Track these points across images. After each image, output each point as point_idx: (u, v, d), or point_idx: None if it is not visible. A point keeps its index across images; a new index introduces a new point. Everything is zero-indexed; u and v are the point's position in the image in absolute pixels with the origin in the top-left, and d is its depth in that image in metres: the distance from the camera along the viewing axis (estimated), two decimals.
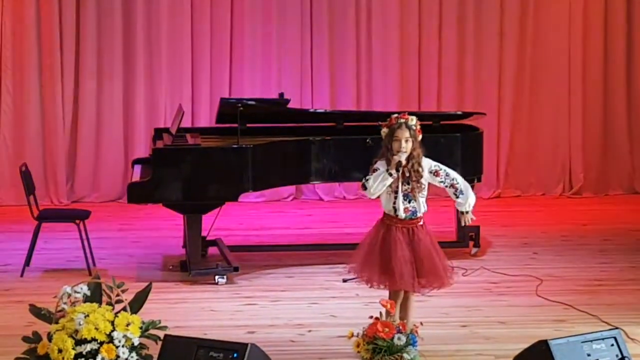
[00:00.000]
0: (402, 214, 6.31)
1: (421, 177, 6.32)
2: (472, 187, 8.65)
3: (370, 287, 6.47)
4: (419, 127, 6.36)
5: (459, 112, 9.38)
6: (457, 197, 6.41)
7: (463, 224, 6.62)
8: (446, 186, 6.41)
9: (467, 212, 6.43)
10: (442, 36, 11.18)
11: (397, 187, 6.30)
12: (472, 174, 8.58)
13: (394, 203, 6.31)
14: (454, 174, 6.43)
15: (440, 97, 11.23)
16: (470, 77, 11.21)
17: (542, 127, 11.32)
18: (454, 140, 8.48)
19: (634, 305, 7.44)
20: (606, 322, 6.97)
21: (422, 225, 6.38)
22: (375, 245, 6.34)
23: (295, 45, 11.05)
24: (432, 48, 11.18)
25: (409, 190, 6.32)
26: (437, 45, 11.18)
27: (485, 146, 8.79)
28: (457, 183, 6.40)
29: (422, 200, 6.37)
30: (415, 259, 6.30)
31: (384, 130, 6.37)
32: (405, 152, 6.26)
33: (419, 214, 6.36)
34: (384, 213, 6.39)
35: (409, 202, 6.33)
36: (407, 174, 6.30)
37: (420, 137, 6.36)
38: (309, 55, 11.10)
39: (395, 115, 6.39)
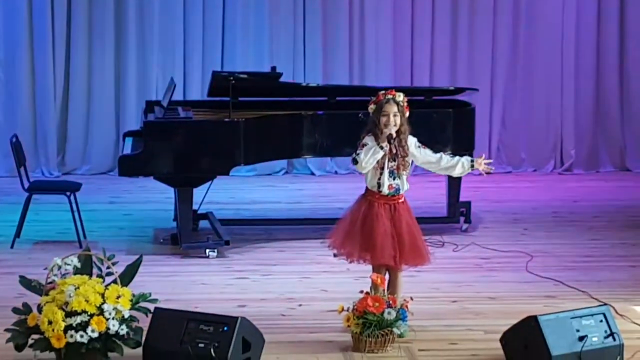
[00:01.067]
0: (385, 190, 6.32)
1: (407, 154, 6.33)
2: None
3: (351, 262, 6.47)
4: (406, 103, 6.37)
5: (452, 88, 9.37)
6: (454, 159, 6.41)
7: (388, 182, 6.42)
8: (438, 155, 6.41)
9: (397, 175, 6.35)
10: (436, 11, 11.14)
11: (384, 163, 6.30)
12: (464, 149, 8.56)
13: (379, 179, 6.32)
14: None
15: (433, 73, 11.20)
16: (463, 52, 11.19)
17: (533, 104, 11.31)
18: (446, 115, 8.48)
19: (623, 282, 7.47)
20: (596, 299, 6.99)
21: (403, 202, 6.39)
22: (357, 221, 6.35)
23: (288, 18, 11.01)
24: (426, 23, 11.14)
25: (395, 167, 6.33)
26: (430, 20, 11.15)
27: (477, 122, 8.78)
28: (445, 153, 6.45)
29: (405, 178, 6.37)
30: (397, 234, 6.31)
31: (372, 107, 6.38)
32: (394, 126, 6.27)
33: (401, 191, 6.37)
34: (367, 189, 6.40)
35: (394, 179, 6.34)
36: (394, 151, 6.31)
37: (407, 114, 6.36)
38: (302, 29, 11.06)
39: (383, 92, 6.40)
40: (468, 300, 7.07)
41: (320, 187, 10.55)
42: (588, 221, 9.20)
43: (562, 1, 11.17)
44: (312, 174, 11.12)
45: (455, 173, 6.57)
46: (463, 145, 8.54)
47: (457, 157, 6.53)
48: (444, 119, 8.45)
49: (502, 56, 11.21)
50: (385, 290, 6.31)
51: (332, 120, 8.26)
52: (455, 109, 8.63)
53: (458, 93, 8.97)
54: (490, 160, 6.65)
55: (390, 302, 6.11)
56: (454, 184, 8.65)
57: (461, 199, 8.70)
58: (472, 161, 6.54)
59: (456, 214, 8.72)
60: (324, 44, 11.09)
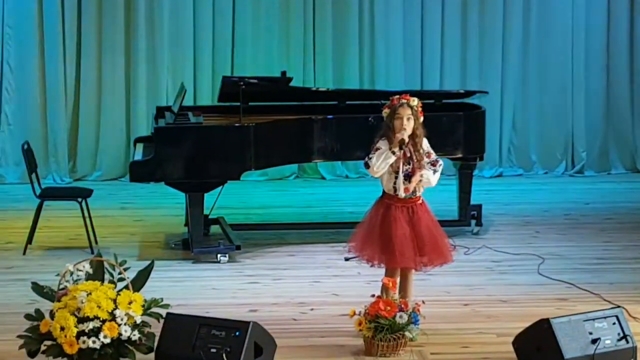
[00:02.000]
0: (402, 193, 6.32)
1: (422, 158, 6.33)
2: (475, 166, 8.76)
3: (372, 266, 6.48)
4: (420, 108, 6.37)
5: (462, 91, 9.37)
6: (428, 170, 6.36)
7: (403, 185, 6.40)
8: (428, 163, 6.37)
9: (417, 181, 6.32)
10: (445, 14, 11.14)
11: (399, 167, 6.30)
12: (475, 152, 8.58)
13: (395, 183, 6.32)
14: (440, 160, 6.43)
15: (443, 76, 11.21)
16: (473, 55, 11.18)
17: (544, 106, 11.30)
18: (456, 118, 8.48)
19: (636, 284, 7.45)
20: (608, 301, 6.98)
21: (421, 204, 6.40)
22: (375, 224, 6.35)
23: (298, 23, 11.02)
24: (435, 27, 11.14)
25: (410, 170, 6.32)
26: (440, 23, 11.15)
27: (487, 125, 8.77)
28: (439, 164, 6.39)
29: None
30: (416, 236, 6.32)
31: (386, 111, 6.39)
32: (407, 130, 6.27)
33: (418, 194, 6.37)
34: (384, 192, 6.40)
35: (409, 182, 6.33)
36: (409, 154, 6.31)
37: (422, 118, 6.37)
38: (312, 33, 11.07)
39: (397, 96, 6.40)
40: (480, 303, 7.06)
41: (331, 191, 10.56)
42: (600, 223, 9.19)
43: (571, 3, 11.16)
44: (323, 178, 11.13)
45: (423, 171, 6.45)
46: (474, 148, 8.54)
47: (430, 172, 6.39)
48: (454, 122, 8.45)
49: (512, 58, 11.20)
50: (397, 294, 6.31)
51: (342, 125, 8.26)
52: (465, 112, 8.62)
53: (468, 96, 8.97)
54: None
55: (402, 305, 6.11)
56: (465, 187, 8.64)
57: (472, 202, 8.70)
58: (420, 179, 6.41)
59: (467, 217, 8.71)
60: (334, 48, 11.10)
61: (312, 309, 6.96)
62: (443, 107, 8.72)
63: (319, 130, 8.22)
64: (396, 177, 6.32)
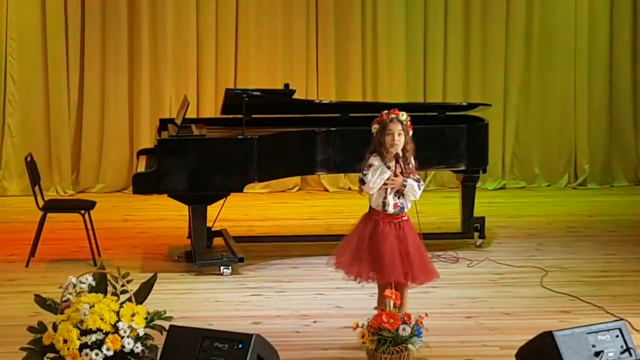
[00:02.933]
0: (391, 209, 6.31)
1: (412, 172, 6.32)
2: (478, 178, 8.76)
3: (359, 282, 6.45)
4: (409, 122, 6.37)
5: (465, 103, 9.37)
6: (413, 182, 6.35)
7: (393, 201, 6.40)
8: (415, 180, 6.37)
9: (402, 194, 6.32)
10: (448, 27, 11.17)
11: (389, 183, 6.29)
12: (478, 165, 8.58)
13: (385, 198, 6.31)
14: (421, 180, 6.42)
15: (446, 88, 11.22)
16: (476, 68, 11.20)
17: (546, 119, 11.31)
18: (459, 131, 8.48)
19: (639, 297, 7.44)
20: (611, 314, 6.97)
21: (407, 220, 6.39)
22: (364, 241, 6.33)
23: (301, 35, 11.04)
24: (438, 39, 11.16)
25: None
26: (443, 36, 11.18)
27: (490, 137, 8.78)
28: (422, 182, 6.37)
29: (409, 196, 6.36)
30: (405, 252, 6.30)
31: (375, 127, 6.38)
32: (399, 145, 6.27)
33: (405, 210, 6.36)
34: (371, 208, 6.38)
35: (398, 197, 6.33)
36: (400, 170, 6.30)
37: (411, 132, 6.36)
38: (315, 45, 11.09)
39: (386, 111, 6.40)
40: (483, 315, 7.05)
41: (334, 203, 10.56)
42: (603, 236, 9.18)
43: (574, 16, 11.17)
44: (326, 190, 11.13)
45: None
46: (477, 161, 8.54)
47: (417, 186, 6.39)
48: (457, 135, 8.45)
49: (514, 71, 11.22)
50: (392, 307, 6.29)
51: (345, 137, 8.27)
52: (468, 124, 8.62)
53: (471, 109, 8.97)
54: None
55: (405, 318, 6.10)
56: (468, 199, 8.64)
57: (475, 214, 8.70)
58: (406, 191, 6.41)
59: (470, 229, 8.70)
60: (336, 60, 11.12)
61: (315, 322, 6.96)
62: (446, 120, 8.73)
63: (322, 143, 8.23)
64: (386, 192, 6.31)
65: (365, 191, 6.36)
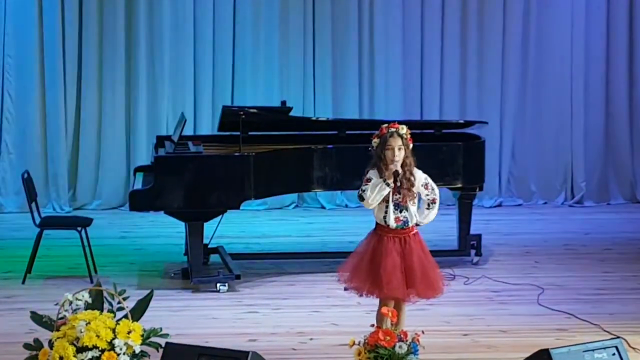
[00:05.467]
0: (392, 223, 6.29)
1: (413, 185, 6.30)
2: (474, 196, 8.76)
3: (360, 296, 6.45)
4: (409, 136, 6.36)
5: (461, 121, 9.39)
6: (427, 208, 6.39)
7: (394, 215, 6.45)
8: (427, 199, 6.39)
9: (420, 224, 6.38)
10: (445, 45, 11.19)
11: (389, 196, 6.28)
12: (474, 182, 8.59)
13: (385, 212, 6.30)
14: (437, 190, 6.44)
15: (443, 106, 11.23)
16: (472, 85, 11.22)
17: (543, 136, 11.32)
18: (456, 148, 8.49)
19: (636, 315, 7.44)
20: (608, 332, 6.97)
21: (414, 235, 6.36)
22: (366, 255, 6.33)
23: (298, 53, 11.06)
24: (435, 57, 11.18)
25: (400, 199, 6.31)
26: (439, 53, 11.19)
27: (487, 155, 8.79)
28: (437, 198, 6.40)
29: (413, 209, 6.35)
30: (407, 268, 6.28)
31: (375, 141, 6.37)
32: (399, 160, 6.25)
33: (410, 224, 6.34)
34: (376, 223, 6.38)
35: (400, 211, 6.31)
36: (399, 183, 6.29)
37: (411, 145, 6.35)
38: (312, 63, 11.11)
39: (385, 125, 6.39)
40: (479, 333, 7.05)
41: (331, 220, 10.56)
42: (599, 254, 9.18)
43: (570, 33, 11.20)
44: (323, 207, 11.13)
45: (419, 210, 6.45)
46: (473, 178, 8.55)
47: (428, 209, 6.43)
48: (454, 152, 8.46)
49: (511, 89, 11.23)
50: (389, 324, 6.28)
51: (342, 154, 8.28)
52: (465, 142, 8.64)
53: (468, 126, 8.98)
54: None
55: (402, 335, 6.09)
56: (464, 216, 8.65)
57: (472, 231, 8.70)
58: (422, 221, 6.43)
59: (467, 246, 8.71)
60: (333, 78, 11.13)
61: (311, 339, 6.95)
62: (443, 137, 8.74)
63: (319, 160, 8.24)
64: (387, 207, 6.30)
65: (365, 206, 6.36)
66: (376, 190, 6.24)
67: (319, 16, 11.05)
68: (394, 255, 6.27)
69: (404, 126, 6.37)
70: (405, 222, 6.32)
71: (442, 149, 8.43)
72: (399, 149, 6.26)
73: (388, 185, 6.24)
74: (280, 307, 7.67)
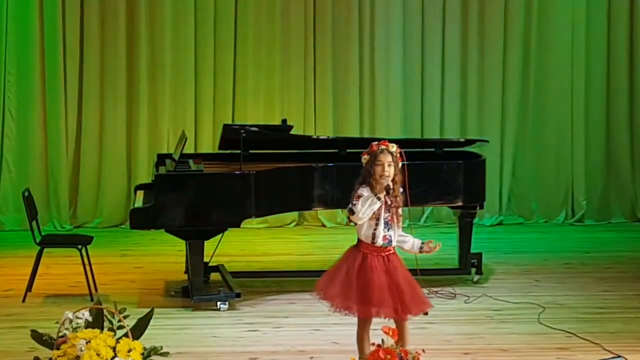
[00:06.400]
0: (380, 241, 6.28)
1: (400, 205, 6.31)
2: (475, 214, 8.76)
3: (346, 315, 6.39)
4: (399, 155, 6.36)
5: (462, 139, 9.40)
6: (407, 236, 6.39)
7: (383, 233, 6.42)
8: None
9: (391, 226, 6.36)
10: (446, 62, 11.21)
11: (380, 214, 6.28)
12: (475, 201, 8.59)
13: (375, 229, 6.29)
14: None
15: (443, 124, 11.25)
16: (473, 104, 11.23)
17: (544, 155, 11.33)
18: (456, 167, 8.49)
19: (637, 334, 7.43)
20: (609, 350, 6.95)
21: (394, 254, 6.37)
22: (352, 274, 6.30)
23: (299, 71, 11.08)
24: (436, 75, 11.20)
25: (389, 218, 6.31)
26: (440, 71, 11.22)
27: (487, 173, 8.79)
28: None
29: (396, 229, 6.35)
30: (395, 285, 6.27)
31: (365, 157, 6.38)
32: (389, 176, 6.26)
33: (393, 243, 6.34)
34: (359, 240, 6.36)
35: (388, 230, 6.31)
36: (389, 202, 6.29)
37: (400, 164, 6.35)
38: (312, 81, 11.13)
39: (376, 142, 6.40)
40: (480, 352, 7.04)
41: (331, 238, 10.55)
42: (600, 272, 9.18)
43: (570, 50, 11.22)
44: (323, 225, 11.13)
45: (404, 248, 6.46)
46: (474, 197, 8.55)
47: (410, 236, 6.44)
48: (454, 171, 8.46)
49: (512, 107, 11.25)
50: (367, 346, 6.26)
51: (342, 172, 8.28)
52: (465, 160, 8.64)
53: (468, 144, 8.99)
54: (439, 243, 6.52)
55: (402, 354, 6.08)
56: (465, 235, 8.65)
57: (472, 250, 8.69)
58: (421, 244, 6.44)
59: (467, 265, 8.70)
60: (334, 96, 11.15)
61: (312, 357, 6.94)
62: (443, 156, 8.75)
63: (320, 178, 8.24)
64: (377, 224, 6.29)
65: (354, 221, 6.35)
66: (367, 204, 6.24)
67: (320, 35, 11.08)
68: (380, 273, 6.25)
69: (394, 145, 6.38)
70: (390, 241, 6.31)
71: (443, 168, 8.44)
72: (389, 165, 6.26)
73: (379, 199, 6.23)
74: (281, 325, 7.66)
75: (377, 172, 6.25)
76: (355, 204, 6.26)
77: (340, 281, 6.33)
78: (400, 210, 6.32)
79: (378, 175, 6.24)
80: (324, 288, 6.38)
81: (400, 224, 6.36)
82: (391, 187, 6.24)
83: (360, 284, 6.25)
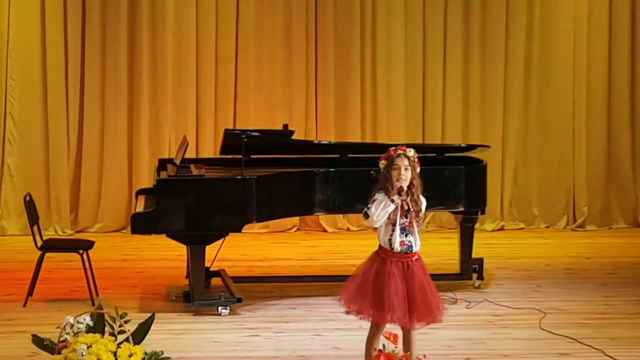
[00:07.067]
0: (397, 247, 6.27)
1: (420, 209, 6.30)
2: (476, 219, 8.76)
3: (361, 318, 6.42)
4: (416, 159, 6.37)
5: (463, 145, 9.40)
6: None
7: (399, 239, 6.40)
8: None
9: (409, 232, 6.36)
10: (447, 68, 11.22)
11: (396, 219, 6.28)
12: (476, 206, 8.58)
13: (391, 235, 6.28)
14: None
15: (445, 130, 11.25)
16: (474, 109, 11.24)
17: (546, 160, 11.33)
18: (458, 172, 8.49)
19: (638, 339, 7.42)
20: (610, 356, 6.95)
21: (417, 259, 6.34)
22: (369, 278, 6.30)
23: (300, 76, 11.09)
24: (437, 79, 11.21)
25: (407, 223, 6.30)
26: (442, 77, 11.23)
27: (489, 178, 8.79)
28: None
29: (417, 234, 6.34)
30: (408, 293, 6.26)
31: (382, 162, 6.38)
32: (405, 180, 6.26)
33: (414, 249, 6.31)
34: (380, 246, 6.36)
35: (406, 235, 6.30)
36: (407, 207, 6.28)
37: (418, 169, 6.35)
38: (314, 86, 11.14)
39: (393, 147, 6.41)
40: (481, 357, 7.03)
41: (332, 244, 10.55)
42: (601, 278, 9.17)
43: (572, 56, 11.23)
44: (324, 230, 11.13)
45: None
46: (475, 202, 8.54)
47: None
48: (456, 176, 8.46)
49: (513, 112, 11.25)
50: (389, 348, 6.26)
51: (344, 178, 8.28)
52: (467, 165, 8.64)
53: (470, 150, 8.99)
54: None
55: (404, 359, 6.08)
56: (466, 240, 8.64)
57: (474, 255, 8.69)
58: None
59: (469, 270, 8.70)
60: (336, 101, 11.16)
61: None
62: (445, 161, 8.75)
63: (321, 183, 8.24)
64: (393, 230, 6.29)
65: (370, 225, 6.35)
66: (381, 207, 6.23)
67: (321, 41, 11.09)
68: (397, 279, 6.24)
69: (412, 149, 6.38)
70: (410, 247, 6.29)
71: (444, 173, 8.43)
72: (405, 169, 6.27)
73: (392, 201, 6.23)
74: (282, 330, 7.66)
75: (394, 176, 6.25)
76: (369, 207, 6.26)
77: (356, 286, 6.34)
78: (421, 215, 6.30)
79: (394, 179, 6.24)
80: (342, 293, 6.39)
81: (421, 228, 6.33)
82: (404, 189, 6.23)
83: (377, 289, 6.25)
